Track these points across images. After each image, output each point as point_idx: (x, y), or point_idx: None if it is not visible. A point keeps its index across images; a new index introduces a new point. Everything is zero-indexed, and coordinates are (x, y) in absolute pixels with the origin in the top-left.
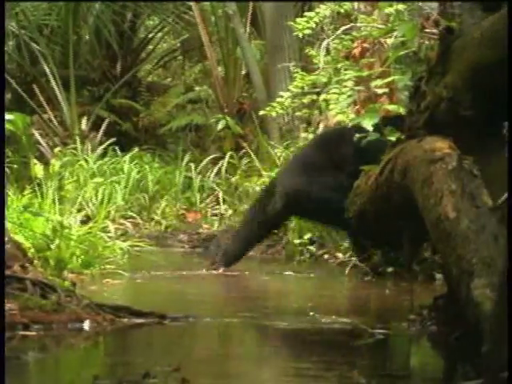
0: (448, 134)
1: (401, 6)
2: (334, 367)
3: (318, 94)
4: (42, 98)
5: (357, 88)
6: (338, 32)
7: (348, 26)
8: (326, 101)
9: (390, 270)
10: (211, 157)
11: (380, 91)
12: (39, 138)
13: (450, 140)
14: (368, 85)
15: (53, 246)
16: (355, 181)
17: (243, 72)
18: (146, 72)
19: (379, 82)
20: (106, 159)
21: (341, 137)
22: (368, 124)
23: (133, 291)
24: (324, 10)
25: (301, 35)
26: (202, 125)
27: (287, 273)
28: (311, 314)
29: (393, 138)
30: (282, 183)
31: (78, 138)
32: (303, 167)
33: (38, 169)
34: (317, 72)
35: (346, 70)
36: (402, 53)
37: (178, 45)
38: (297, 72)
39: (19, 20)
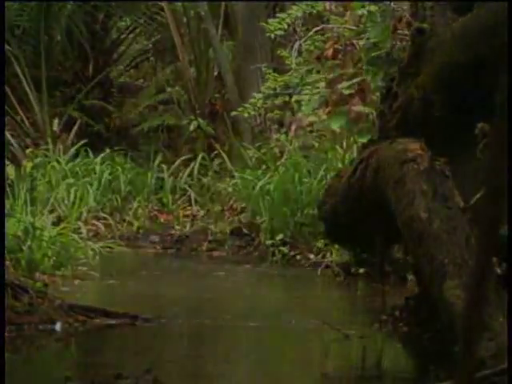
0: (420, 134)
1: (373, 8)
2: (306, 368)
3: (290, 95)
4: (13, 99)
5: (328, 89)
6: (310, 33)
7: (320, 27)
8: (298, 102)
9: (361, 270)
10: (183, 158)
11: (347, 92)
12: (11, 139)
13: (421, 141)
14: (339, 86)
15: (24, 247)
16: None
17: (215, 73)
18: (118, 73)
19: (345, 84)
20: (78, 160)
21: None
22: (335, 126)
23: (104, 292)
24: (296, 10)
25: (273, 36)
26: (174, 126)
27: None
28: (283, 314)
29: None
30: None
31: (49, 139)
32: None
33: (9, 170)
34: (289, 73)
35: (317, 71)
36: (374, 54)
37: (150, 46)
38: (269, 73)
39: None
